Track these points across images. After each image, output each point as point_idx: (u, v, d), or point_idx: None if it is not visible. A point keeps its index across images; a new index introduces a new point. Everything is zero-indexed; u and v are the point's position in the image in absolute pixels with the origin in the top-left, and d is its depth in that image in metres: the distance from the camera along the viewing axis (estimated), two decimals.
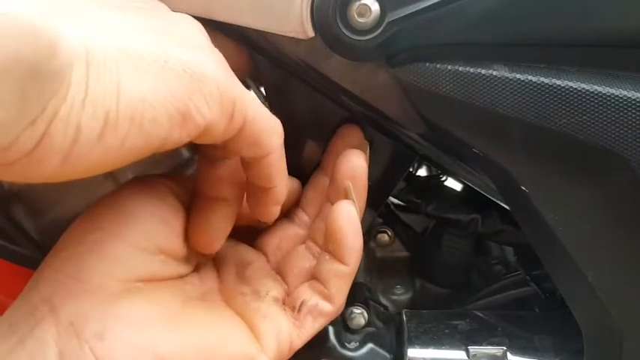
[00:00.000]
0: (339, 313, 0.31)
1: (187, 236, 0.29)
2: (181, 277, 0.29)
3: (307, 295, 0.30)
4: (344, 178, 0.31)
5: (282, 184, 0.29)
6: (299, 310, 0.30)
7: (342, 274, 0.30)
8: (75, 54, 0.18)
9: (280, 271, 0.33)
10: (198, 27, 0.26)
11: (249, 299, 0.30)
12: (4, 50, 0.16)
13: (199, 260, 0.31)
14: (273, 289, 0.31)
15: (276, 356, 0.28)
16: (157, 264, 0.27)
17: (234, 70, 0.25)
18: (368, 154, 0.34)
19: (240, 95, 0.24)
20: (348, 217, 0.30)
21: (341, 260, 0.30)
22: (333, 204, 0.31)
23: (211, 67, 0.23)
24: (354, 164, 0.32)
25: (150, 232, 0.27)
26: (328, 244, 0.30)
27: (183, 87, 0.21)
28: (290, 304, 0.31)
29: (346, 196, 0.31)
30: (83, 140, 0.19)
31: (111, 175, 0.35)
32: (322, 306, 0.30)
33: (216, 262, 0.32)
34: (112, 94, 0.19)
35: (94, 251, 0.25)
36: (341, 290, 0.31)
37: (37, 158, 0.18)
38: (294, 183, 0.35)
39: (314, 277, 0.31)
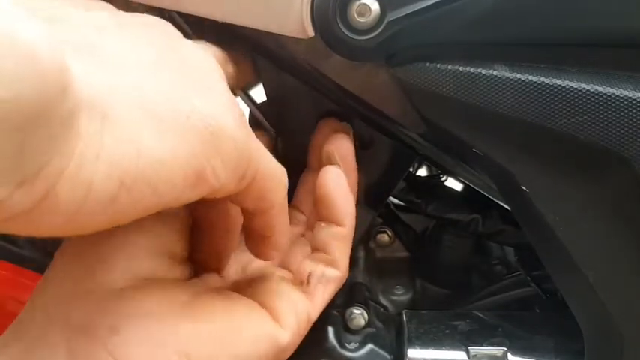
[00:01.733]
0: (346, 277, 0.31)
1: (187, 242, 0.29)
2: (187, 279, 0.29)
3: (312, 266, 0.31)
4: (326, 150, 0.32)
5: (282, 233, 0.28)
6: (307, 283, 0.30)
7: (340, 236, 0.30)
8: (89, 101, 0.16)
9: (284, 266, 0.33)
10: (210, 61, 0.24)
11: (258, 283, 0.30)
12: None
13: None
14: (279, 272, 0.31)
15: (296, 331, 0.28)
16: (163, 265, 0.27)
17: (237, 80, 0.25)
18: (351, 135, 0.34)
19: (254, 152, 0.23)
20: (336, 180, 0.30)
21: (336, 223, 0.30)
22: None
23: (230, 123, 0.21)
24: (339, 144, 0.32)
25: (155, 233, 0.27)
26: (321, 212, 0.30)
27: (202, 146, 0.20)
28: (297, 280, 0.31)
29: (330, 162, 0.31)
30: (93, 202, 0.17)
31: None
32: (329, 272, 0.30)
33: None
34: (130, 154, 0.17)
35: (100, 251, 0.25)
36: (343, 253, 0.31)
37: (37, 218, 0.16)
38: None
39: (314, 248, 0.32)
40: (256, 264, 0.32)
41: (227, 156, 0.21)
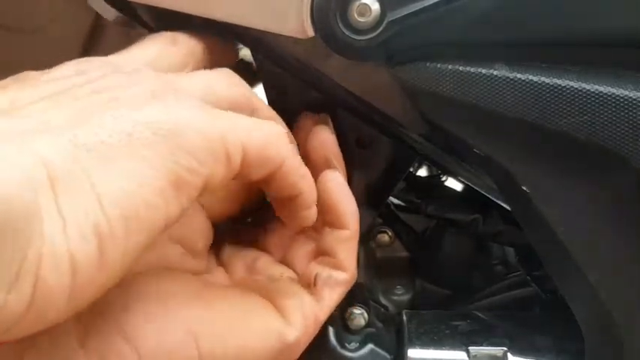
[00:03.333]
0: (354, 279, 0.31)
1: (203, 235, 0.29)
2: (199, 274, 0.29)
3: (318, 269, 0.31)
4: (319, 152, 0.31)
5: (308, 186, 0.27)
6: (315, 285, 0.30)
7: (346, 239, 0.30)
8: (36, 182, 0.16)
9: (286, 262, 0.33)
10: (147, 66, 0.24)
11: (266, 283, 0.30)
12: None
13: (210, 262, 0.31)
14: (287, 272, 0.31)
15: (304, 331, 0.28)
16: (177, 257, 0.27)
17: (219, 65, 0.24)
18: (330, 124, 0.33)
19: (228, 128, 0.22)
20: (336, 184, 0.30)
21: (341, 227, 0.30)
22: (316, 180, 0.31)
23: (183, 114, 0.20)
24: (321, 138, 0.32)
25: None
26: (324, 216, 0.30)
27: (160, 153, 0.19)
28: (304, 282, 0.31)
29: (328, 166, 0.31)
30: (83, 269, 0.17)
31: None
32: (336, 275, 0.30)
33: (224, 267, 0.32)
34: (91, 203, 0.17)
35: None
36: (349, 255, 0.31)
37: (39, 310, 0.16)
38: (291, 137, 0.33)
39: (320, 253, 0.31)
40: (261, 261, 0.32)
41: (194, 147, 0.20)
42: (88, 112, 0.20)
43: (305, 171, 0.27)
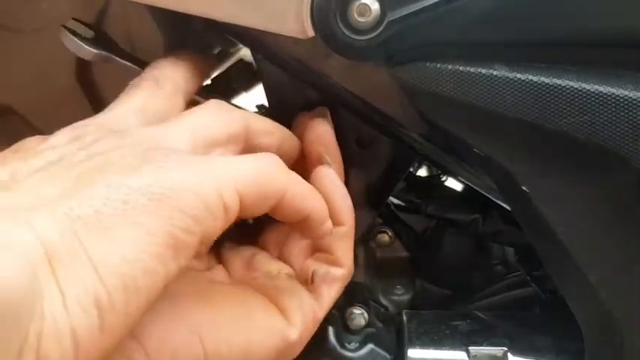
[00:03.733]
0: (351, 275, 0.31)
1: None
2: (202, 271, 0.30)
3: (315, 266, 0.31)
4: (315, 147, 0.31)
5: (315, 205, 0.26)
6: (312, 282, 0.30)
7: (342, 235, 0.30)
8: (34, 260, 0.17)
9: (283, 258, 0.33)
10: (137, 117, 0.25)
11: (264, 280, 0.30)
12: None
13: (210, 260, 0.31)
14: (284, 269, 0.31)
15: (304, 329, 0.28)
16: None
17: (193, 79, 0.25)
18: (329, 117, 0.33)
19: (222, 179, 0.22)
20: (330, 180, 0.30)
21: (337, 223, 0.30)
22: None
23: (174, 176, 0.20)
24: (318, 131, 0.31)
25: None
26: None
27: (157, 219, 0.19)
28: (302, 279, 0.31)
29: (321, 162, 0.31)
30: (85, 340, 0.17)
31: None
32: (333, 272, 0.30)
33: (223, 264, 0.32)
34: (90, 276, 0.17)
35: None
36: (346, 251, 0.31)
37: None
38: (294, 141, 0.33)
39: (316, 249, 0.31)
40: (259, 257, 0.32)
41: (190, 206, 0.20)
42: (82, 181, 0.20)
43: (308, 191, 0.26)
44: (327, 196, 0.30)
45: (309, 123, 0.32)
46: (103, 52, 0.32)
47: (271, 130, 0.29)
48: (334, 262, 0.31)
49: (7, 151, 0.23)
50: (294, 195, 0.25)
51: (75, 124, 0.25)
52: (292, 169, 0.34)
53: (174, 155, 0.22)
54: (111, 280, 0.18)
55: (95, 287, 0.17)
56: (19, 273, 0.16)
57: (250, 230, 0.35)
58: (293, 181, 0.25)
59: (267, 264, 0.32)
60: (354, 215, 0.31)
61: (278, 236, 0.34)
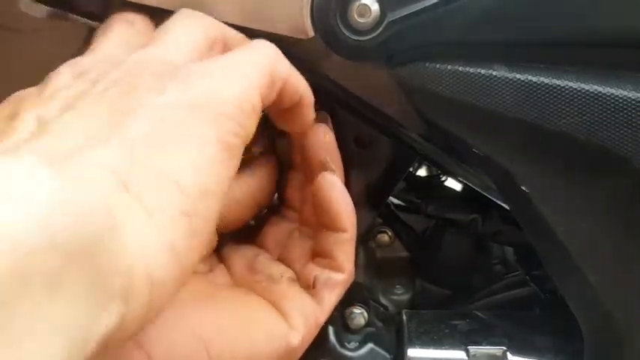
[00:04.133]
0: (352, 280, 0.31)
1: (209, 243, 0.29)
2: (205, 274, 0.30)
3: (317, 271, 0.31)
4: (317, 153, 0.31)
5: (304, 85, 0.27)
6: (313, 287, 0.30)
7: (343, 241, 0.30)
8: (112, 189, 0.17)
9: (284, 260, 0.33)
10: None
11: (267, 284, 0.30)
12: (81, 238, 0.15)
13: (212, 260, 0.31)
14: (286, 272, 0.31)
15: (305, 334, 0.28)
16: None
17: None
18: (330, 123, 0.33)
19: (243, 74, 0.22)
20: (334, 186, 0.30)
21: (339, 229, 0.30)
22: (313, 181, 0.31)
23: (204, 84, 0.21)
24: (320, 137, 0.31)
25: None
26: (322, 219, 0.30)
27: (207, 127, 0.20)
28: (303, 284, 0.31)
29: (324, 169, 0.31)
30: (181, 250, 0.18)
31: None
32: (335, 277, 0.30)
33: (225, 264, 0.32)
34: (170, 189, 0.18)
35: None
36: (347, 257, 0.31)
37: (153, 306, 0.18)
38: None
39: (317, 254, 0.31)
40: (261, 259, 0.32)
41: (229, 109, 0.21)
42: (117, 110, 0.20)
43: (296, 72, 0.27)
44: (331, 202, 0.30)
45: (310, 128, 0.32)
46: (58, 10, 0.30)
47: (242, 36, 0.29)
48: (336, 268, 0.31)
49: (10, 105, 0.22)
50: (291, 74, 0.26)
51: (66, 64, 0.24)
52: (292, 172, 0.35)
53: (187, 68, 0.22)
54: (190, 190, 0.18)
55: (179, 198, 0.18)
56: (100, 205, 0.16)
57: (251, 231, 0.35)
58: (290, 65, 0.26)
59: (270, 267, 0.32)
60: (356, 223, 0.31)
61: (279, 237, 0.34)
